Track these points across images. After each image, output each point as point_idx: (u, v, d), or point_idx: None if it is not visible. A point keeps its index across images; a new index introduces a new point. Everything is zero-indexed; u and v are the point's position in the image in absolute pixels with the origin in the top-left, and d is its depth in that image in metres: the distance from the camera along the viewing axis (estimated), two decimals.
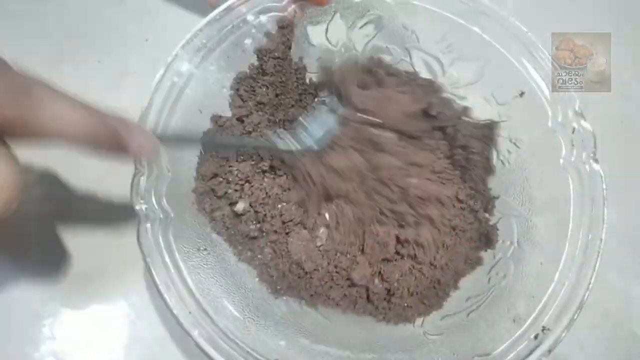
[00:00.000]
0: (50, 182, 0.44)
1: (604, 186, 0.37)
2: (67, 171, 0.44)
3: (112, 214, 0.43)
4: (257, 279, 0.40)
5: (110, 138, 0.28)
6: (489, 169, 0.44)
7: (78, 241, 0.42)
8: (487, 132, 0.43)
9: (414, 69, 0.46)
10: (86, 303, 0.41)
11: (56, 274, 0.41)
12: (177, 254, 0.35)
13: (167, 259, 0.34)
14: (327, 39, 0.44)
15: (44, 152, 0.31)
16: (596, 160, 0.38)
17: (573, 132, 0.39)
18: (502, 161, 0.43)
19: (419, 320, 0.40)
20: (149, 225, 0.34)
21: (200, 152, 0.40)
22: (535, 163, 0.41)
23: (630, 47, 0.54)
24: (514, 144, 0.42)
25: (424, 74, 0.45)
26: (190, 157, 0.40)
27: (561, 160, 0.39)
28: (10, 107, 0.24)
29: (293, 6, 0.41)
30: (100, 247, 0.42)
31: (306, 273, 0.40)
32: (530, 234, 0.40)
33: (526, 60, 0.41)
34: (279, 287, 0.39)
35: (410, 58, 0.45)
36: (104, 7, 0.53)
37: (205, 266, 0.37)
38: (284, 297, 0.40)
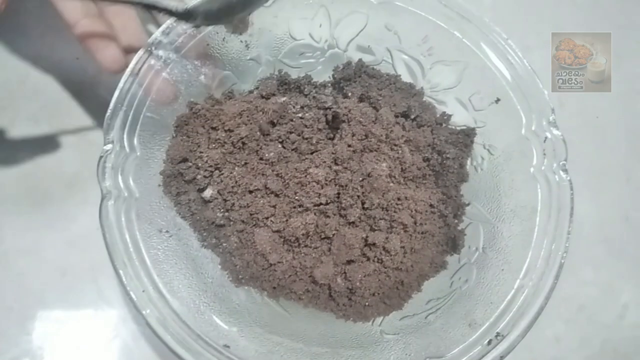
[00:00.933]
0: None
1: (572, 196, 0.37)
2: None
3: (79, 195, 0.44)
4: (219, 267, 0.40)
5: None
6: (462, 176, 0.44)
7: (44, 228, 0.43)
8: (464, 138, 0.43)
9: (395, 70, 0.46)
10: (60, 298, 0.42)
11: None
12: (137, 233, 0.35)
13: (127, 236, 0.34)
14: (310, 35, 0.45)
15: None
16: (565, 170, 0.38)
17: (545, 140, 0.39)
18: (475, 167, 0.43)
19: (377, 319, 0.39)
20: (112, 202, 0.35)
21: (172, 135, 0.40)
22: (507, 170, 0.41)
23: (630, 47, 0.54)
24: (488, 150, 0.42)
25: (405, 75, 0.46)
26: (162, 140, 0.40)
27: (531, 169, 0.39)
28: None
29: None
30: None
31: (270, 265, 0.40)
32: (496, 240, 0.39)
33: (504, 67, 0.41)
34: (240, 277, 0.39)
35: (392, 59, 0.45)
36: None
37: (166, 248, 0.37)
38: (245, 287, 0.40)
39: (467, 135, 0.44)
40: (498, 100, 0.41)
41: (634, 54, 0.53)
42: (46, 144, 0.47)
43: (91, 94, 0.49)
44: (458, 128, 0.44)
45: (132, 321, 0.41)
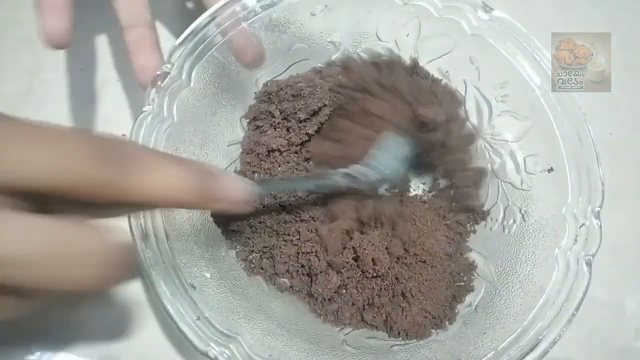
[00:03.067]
0: None
1: (585, 291, 0.35)
2: None
3: None
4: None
5: (209, 196, 0.26)
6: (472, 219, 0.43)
7: None
8: (477, 177, 0.43)
9: (464, 104, 0.45)
10: None
11: None
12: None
13: None
14: (395, 41, 0.44)
15: None
16: (590, 264, 0.35)
17: (581, 227, 0.37)
18: (504, 227, 0.42)
19: (344, 328, 0.39)
20: (150, 117, 0.36)
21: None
22: (532, 242, 0.39)
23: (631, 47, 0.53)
24: (522, 215, 0.41)
25: (472, 113, 0.44)
26: (219, 83, 0.41)
27: (556, 250, 0.37)
28: (115, 172, 0.21)
29: None
30: None
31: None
32: (492, 304, 0.38)
33: (571, 140, 0.39)
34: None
35: (465, 92, 0.44)
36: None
37: None
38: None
39: (480, 175, 0.44)
40: (551, 169, 0.39)
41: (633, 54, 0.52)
42: None
43: (95, 106, 0.48)
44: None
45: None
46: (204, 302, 0.34)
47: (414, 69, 0.44)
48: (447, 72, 0.45)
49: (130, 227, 0.33)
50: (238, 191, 0.28)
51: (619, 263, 0.45)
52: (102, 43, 0.51)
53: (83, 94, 0.49)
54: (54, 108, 0.48)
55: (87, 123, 0.47)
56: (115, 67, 0.50)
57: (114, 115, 0.41)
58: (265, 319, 0.36)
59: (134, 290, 0.41)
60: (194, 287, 0.34)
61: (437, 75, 0.45)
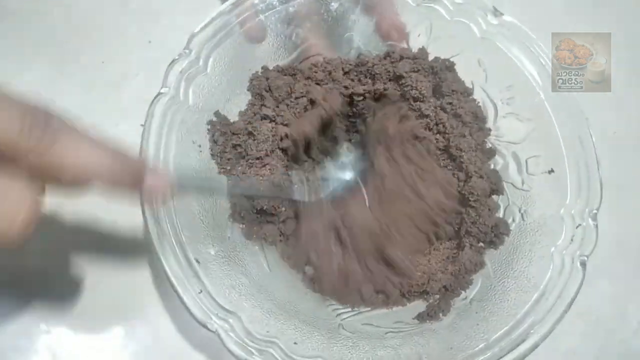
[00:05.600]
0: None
1: (578, 289, 0.36)
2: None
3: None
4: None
5: (129, 177, 0.28)
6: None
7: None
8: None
9: None
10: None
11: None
12: (173, 136, 0.38)
13: (164, 130, 0.38)
14: (405, 40, 0.46)
15: None
16: (584, 264, 0.36)
17: (578, 227, 0.38)
18: None
19: (342, 313, 0.40)
20: (166, 98, 0.38)
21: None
22: (530, 241, 0.40)
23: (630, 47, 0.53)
24: (522, 215, 0.41)
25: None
26: (235, 72, 0.43)
27: (552, 248, 0.38)
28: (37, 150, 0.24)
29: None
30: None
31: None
32: (487, 297, 0.39)
33: (572, 143, 0.40)
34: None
35: (472, 93, 0.45)
36: (108, 9, 0.54)
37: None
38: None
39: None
40: (552, 171, 0.40)
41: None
42: None
43: (116, 98, 0.50)
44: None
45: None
46: (207, 277, 0.35)
47: None
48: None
49: (141, 201, 0.35)
50: (153, 180, 0.30)
51: (622, 257, 0.46)
52: (122, 37, 0.53)
53: (104, 86, 0.50)
54: (73, 99, 0.47)
55: (106, 115, 0.47)
56: (135, 60, 0.52)
57: (131, 108, 0.42)
58: (265, 299, 0.37)
59: (139, 265, 0.43)
60: (199, 262, 0.35)
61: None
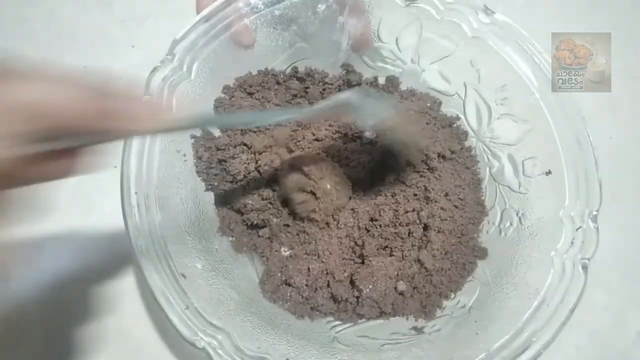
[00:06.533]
0: None
1: (580, 294, 0.34)
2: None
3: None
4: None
5: (105, 113, 0.24)
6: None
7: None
8: None
9: (464, 108, 0.45)
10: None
11: None
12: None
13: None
14: (395, 41, 0.45)
15: None
16: (586, 267, 0.35)
17: (578, 230, 0.36)
18: (500, 230, 0.41)
19: (336, 326, 0.38)
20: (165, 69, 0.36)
21: None
22: (529, 245, 0.39)
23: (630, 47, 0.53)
24: (519, 218, 0.40)
25: (471, 116, 0.45)
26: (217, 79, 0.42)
27: (552, 252, 0.36)
28: None
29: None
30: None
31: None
32: (486, 305, 0.37)
33: (570, 144, 0.39)
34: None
35: (465, 95, 0.44)
36: (91, 14, 0.53)
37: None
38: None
39: None
40: (549, 172, 0.39)
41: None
42: None
43: None
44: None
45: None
46: (193, 292, 0.33)
47: None
48: (447, 74, 0.45)
49: (124, 214, 0.33)
50: (140, 111, 0.26)
51: (618, 268, 0.45)
52: (105, 41, 0.52)
53: None
54: None
55: None
56: (118, 64, 0.51)
57: None
58: (255, 313, 0.36)
59: (124, 280, 0.41)
60: (185, 277, 0.34)
61: (437, 78, 0.45)
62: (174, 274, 0.33)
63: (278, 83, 0.45)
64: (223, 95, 0.43)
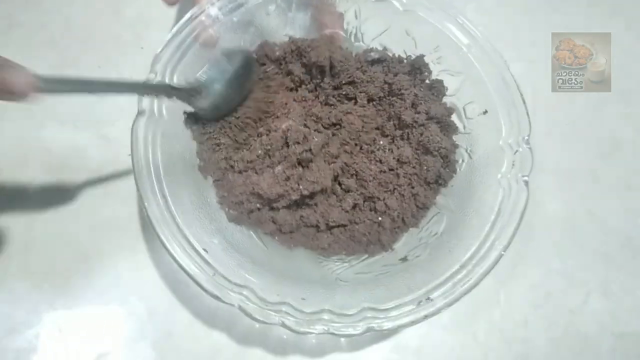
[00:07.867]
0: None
1: (525, 205, 0.42)
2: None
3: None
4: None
5: None
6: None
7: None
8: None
9: None
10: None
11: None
12: (159, 150, 0.43)
13: (150, 149, 0.42)
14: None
15: None
16: (526, 182, 0.43)
17: (515, 153, 0.44)
18: (456, 166, 0.49)
19: (336, 267, 0.46)
20: (144, 119, 0.43)
21: None
22: (480, 174, 0.46)
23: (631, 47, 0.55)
24: (469, 154, 0.48)
25: None
26: None
27: (499, 175, 0.44)
28: None
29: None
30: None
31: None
32: (454, 229, 0.45)
33: (496, 84, 0.47)
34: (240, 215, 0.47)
35: (406, 60, 0.52)
36: (104, 19, 0.61)
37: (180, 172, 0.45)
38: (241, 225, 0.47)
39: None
40: (486, 112, 0.47)
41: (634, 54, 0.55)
42: (72, 143, 0.54)
43: (113, 100, 0.53)
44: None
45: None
46: (216, 262, 0.40)
47: None
48: (387, 46, 0.52)
49: (146, 211, 0.40)
50: (12, 81, 0.30)
51: (570, 235, 0.53)
52: (117, 43, 0.60)
53: None
54: (75, 100, 0.54)
55: (105, 114, 0.55)
56: (129, 65, 0.58)
57: (127, 108, 0.45)
58: (269, 271, 0.42)
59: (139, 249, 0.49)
60: (207, 251, 0.40)
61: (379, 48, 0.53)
62: (196, 251, 0.40)
63: None
64: None
